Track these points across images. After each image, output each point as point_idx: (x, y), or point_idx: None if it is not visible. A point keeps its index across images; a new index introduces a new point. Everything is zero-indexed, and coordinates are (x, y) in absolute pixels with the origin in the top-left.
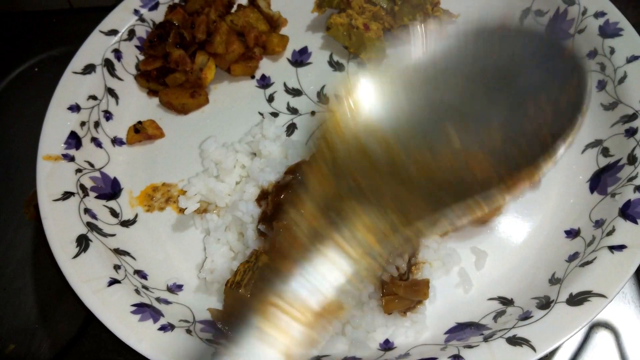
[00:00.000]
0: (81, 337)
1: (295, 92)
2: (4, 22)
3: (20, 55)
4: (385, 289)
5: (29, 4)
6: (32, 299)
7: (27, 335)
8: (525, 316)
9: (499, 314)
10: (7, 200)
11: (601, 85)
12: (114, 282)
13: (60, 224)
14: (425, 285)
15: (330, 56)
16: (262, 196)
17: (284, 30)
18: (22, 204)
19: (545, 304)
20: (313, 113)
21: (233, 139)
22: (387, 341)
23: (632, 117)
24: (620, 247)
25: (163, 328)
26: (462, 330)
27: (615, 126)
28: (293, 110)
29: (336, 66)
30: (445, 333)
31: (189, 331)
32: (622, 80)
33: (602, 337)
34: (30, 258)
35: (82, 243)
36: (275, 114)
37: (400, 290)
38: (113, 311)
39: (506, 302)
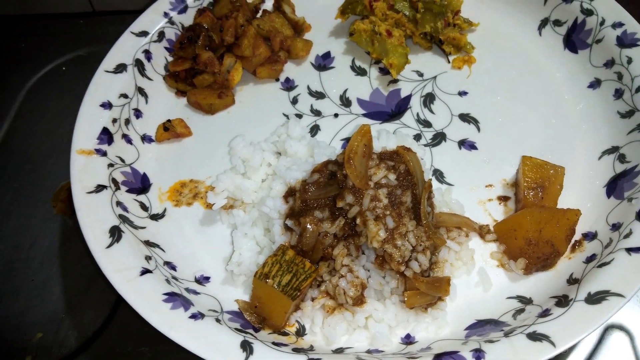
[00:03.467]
0: (106, 327)
1: (319, 95)
2: (33, 23)
3: (49, 54)
4: (407, 285)
5: (53, 6)
6: (59, 290)
7: (54, 325)
8: (545, 314)
9: (518, 312)
10: (34, 194)
11: (618, 94)
12: (145, 271)
13: (93, 216)
14: (447, 283)
15: (353, 61)
16: (289, 193)
17: (307, 35)
18: (50, 198)
19: (564, 302)
20: (336, 115)
21: (259, 138)
22: (408, 335)
23: None
24: (638, 249)
25: (194, 316)
26: (482, 327)
27: (632, 133)
28: (316, 113)
29: (358, 71)
30: (466, 329)
31: (218, 320)
32: (639, 89)
33: (616, 339)
34: (57, 251)
35: (115, 234)
36: (299, 116)
37: (422, 286)
38: (146, 299)
39: (525, 300)
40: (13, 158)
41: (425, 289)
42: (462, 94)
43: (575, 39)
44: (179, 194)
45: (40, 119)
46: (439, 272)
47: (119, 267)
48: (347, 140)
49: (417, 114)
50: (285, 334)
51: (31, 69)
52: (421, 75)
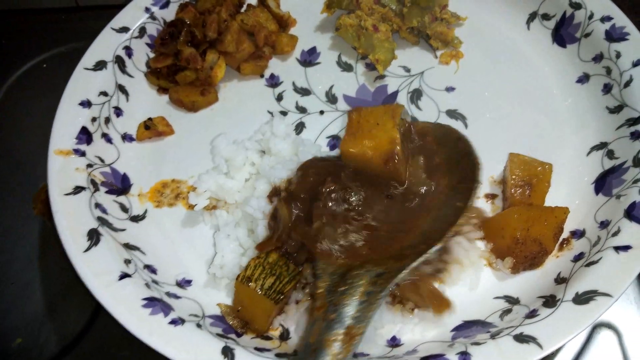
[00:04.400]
0: (88, 331)
1: (304, 92)
2: (13, 19)
3: (30, 51)
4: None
5: (36, 2)
6: (40, 293)
7: (34, 329)
8: (532, 314)
9: (505, 312)
10: (15, 195)
11: (607, 89)
12: (124, 276)
13: (71, 218)
14: (446, 306)
15: (339, 56)
16: (274, 193)
17: (293, 30)
18: (30, 199)
19: (551, 302)
20: (322, 112)
21: (243, 137)
22: (394, 338)
23: (637, 120)
24: (626, 248)
25: (174, 322)
26: (468, 328)
27: (621, 129)
28: (302, 110)
29: (345, 66)
30: (452, 330)
31: (199, 325)
32: (627, 83)
33: (604, 337)
34: (38, 253)
35: (93, 237)
36: (284, 113)
37: (424, 291)
38: (124, 305)
39: (512, 300)
40: None
41: (424, 294)
42: (450, 89)
43: (563, 32)
44: (160, 195)
45: (20, 118)
46: (447, 276)
47: (97, 271)
48: (332, 137)
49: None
50: (269, 338)
51: (11, 66)
52: (408, 70)
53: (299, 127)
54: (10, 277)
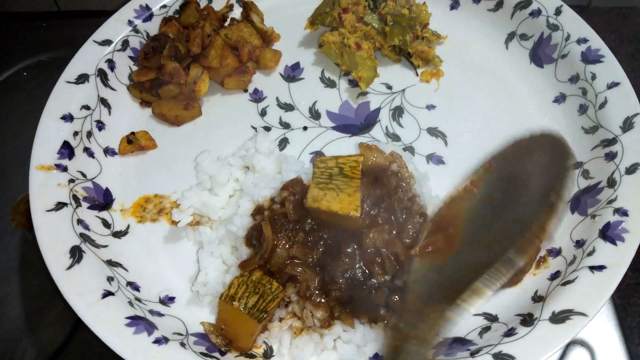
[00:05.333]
0: (67, 346)
1: (288, 107)
2: None
3: (9, 59)
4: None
5: (14, 5)
6: (18, 306)
7: (11, 345)
8: (510, 333)
9: (484, 330)
10: None
11: (582, 109)
12: (107, 294)
13: (53, 235)
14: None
15: (322, 72)
16: (257, 211)
17: (276, 46)
18: (8, 211)
19: (529, 321)
20: (305, 128)
21: (226, 152)
22: (376, 355)
23: (612, 141)
24: (601, 268)
25: (157, 341)
26: (449, 345)
27: (596, 149)
28: (285, 125)
29: (328, 82)
30: (432, 348)
31: (182, 344)
32: (602, 105)
33: (578, 355)
34: (17, 266)
35: (76, 254)
36: (267, 128)
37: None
38: (107, 324)
39: (491, 318)
40: None
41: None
42: (430, 107)
43: (541, 53)
44: (143, 210)
45: None
46: None
47: (79, 290)
48: (315, 153)
49: (386, 127)
50: (252, 356)
51: None
52: (390, 87)
53: (283, 143)
54: None
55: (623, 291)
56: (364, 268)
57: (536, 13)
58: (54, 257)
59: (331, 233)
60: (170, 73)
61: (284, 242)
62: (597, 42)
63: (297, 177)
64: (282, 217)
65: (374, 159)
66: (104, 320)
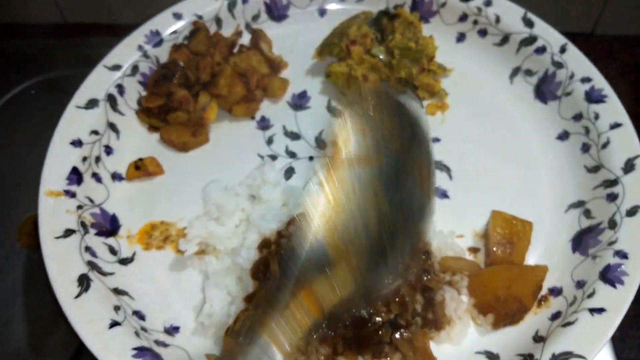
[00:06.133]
0: None
1: (294, 136)
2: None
3: (17, 76)
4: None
5: (20, 16)
6: (21, 329)
7: None
8: None
9: None
10: None
11: (585, 148)
12: (114, 324)
13: (62, 263)
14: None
15: (329, 102)
16: (264, 244)
17: (284, 74)
18: (14, 231)
19: None
20: (311, 158)
21: (232, 180)
22: None
23: (613, 182)
24: (600, 310)
25: None
26: None
27: (598, 189)
28: (291, 154)
29: (334, 112)
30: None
31: None
32: (605, 145)
33: None
34: (21, 287)
35: (84, 283)
36: (274, 157)
37: (419, 345)
38: (115, 355)
39: (492, 356)
40: None
41: (418, 353)
42: (435, 140)
43: (545, 89)
44: (149, 237)
45: (5, 146)
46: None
47: (87, 318)
48: None
49: None
50: None
51: None
52: None
53: (289, 173)
54: None
55: (621, 323)
56: (368, 308)
57: (541, 50)
58: (63, 285)
59: None
60: (180, 100)
61: None
62: (600, 81)
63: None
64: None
65: None
66: (112, 351)
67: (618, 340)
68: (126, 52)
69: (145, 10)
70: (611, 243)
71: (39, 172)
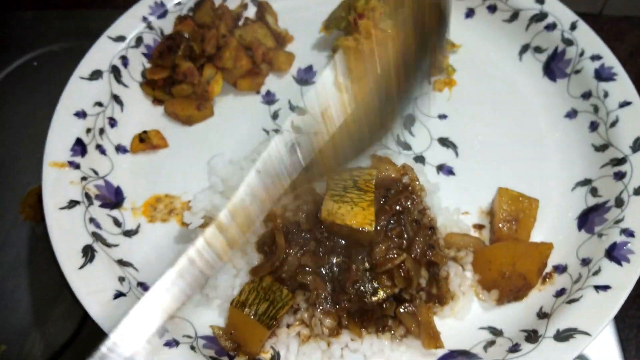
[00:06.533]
0: (75, 339)
1: (300, 111)
2: (1, 16)
3: (20, 48)
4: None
5: None
6: (26, 299)
7: (20, 337)
8: (514, 349)
9: (489, 344)
10: (1, 198)
11: (593, 127)
12: (119, 294)
13: (66, 234)
14: (436, 343)
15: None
16: (269, 218)
17: (289, 48)
18: (18, 203)
19: (533, 337)
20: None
21: (237, 154)
22: None
23: (621, 160)
24: (605, 288)
25: (168, 344)
26: (454, 358)
27: (605, 168)
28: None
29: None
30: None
31: (192, 347)
32: (613, 124)
33: None
34: (25, 259)
35: (88, 253)
36: (279, 132)
37: (422, 318)
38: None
39: (496, 332)
40: None
41: (422, 325)
42: (442, 117)
43: (554, 67)
44: (153, 209)
45: (8, 118)
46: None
47: (92, 289)
48: None
49: (397, 136)
50: None
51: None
52: None
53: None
54: None
55: None
56: (373, 282)
57: (551, 27)
58: (67, 255)
59: (343, 244)
60: (184, 73)
61: (295, 250)
62: (610, 59)
63: (310, 185)
64: (294, 226)
65: (386, 171)
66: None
67: (618, 320)
68: (130, 23)
69: None
70: (618, 221)
71: (41, 146)
